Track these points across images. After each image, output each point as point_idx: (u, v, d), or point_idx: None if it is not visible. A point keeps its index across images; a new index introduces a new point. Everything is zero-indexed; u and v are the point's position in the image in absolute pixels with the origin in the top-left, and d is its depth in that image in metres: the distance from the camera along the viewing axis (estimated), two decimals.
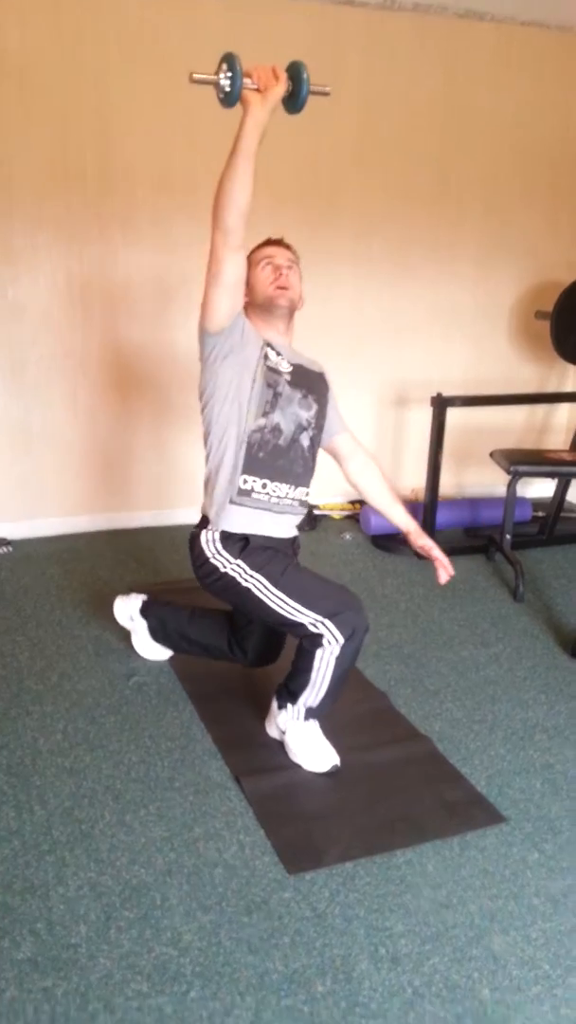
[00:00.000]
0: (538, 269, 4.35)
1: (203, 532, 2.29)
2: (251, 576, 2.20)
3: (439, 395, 3.70)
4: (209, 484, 2.30)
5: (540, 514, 4.18)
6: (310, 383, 2.28)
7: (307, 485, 2.32)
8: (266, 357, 2.18)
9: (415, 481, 4.41)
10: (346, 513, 4.29)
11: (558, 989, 1.62)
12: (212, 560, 2.25)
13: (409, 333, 4.24)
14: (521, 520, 4.10)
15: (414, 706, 2.58)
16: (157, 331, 3.81)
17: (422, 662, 2.85)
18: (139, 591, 3.23)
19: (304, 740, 2.24)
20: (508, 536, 3.59)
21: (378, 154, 3.91)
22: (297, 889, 1.84)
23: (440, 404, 3.69)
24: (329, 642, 2.12)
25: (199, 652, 2.63)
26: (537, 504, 4.33)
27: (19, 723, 2.40)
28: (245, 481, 2.21)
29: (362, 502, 4.30)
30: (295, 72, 1.98)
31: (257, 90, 1.95)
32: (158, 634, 2.69)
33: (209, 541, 2.26)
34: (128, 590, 3.26)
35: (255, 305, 2.23)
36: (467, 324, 4.34)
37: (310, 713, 2.25)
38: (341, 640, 2.12)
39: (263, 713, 2.41)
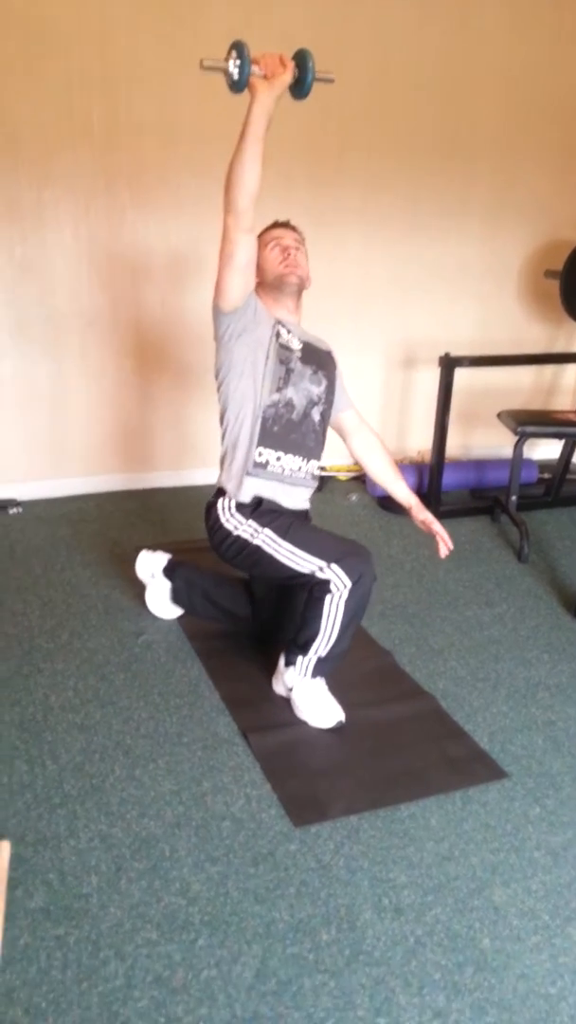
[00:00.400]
0: (548, 227, 4.29)
1: (219, 501, 2.39)
2: (260, 532, 2.29)
3: (446, 355, 3.67)
4: (226, 459, 2.40)
5: (546, 476, 4.18)
6: (319, 360, 2.37)
7: (318, 459, 2.42)
8: (278, 335, 2.27)
9: (421, 442, 4.40)
10: (352, 474, 4.29)
11: (557, 939, 1.67)
12: (226, 524, 2.35)
13: (417, 293, 4.19)
14: (527, 482, 4.10)
15: (419, 664, 2.61)
16: (165, 289, 3.78)
17: (427, 621, 2.87)
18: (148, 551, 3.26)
19: (310, 697, 2.28)
20: (514, 497, 3.59)
21: (387, 110, 3.84)
22: (303, 841, 1.88)
23: (447, 364, 3.66)
24: (336, 587, 2.17)
25: (217, 616, 2.67)
26: (543, 466, 4.32)
27: (31, 680, 2.44)
28: (260, 454, 2.30)
29: None
30: (301, 60, 2.03)
31: (264, 77, 2.00)
32: (180, 596, 2.70)
33: (224, 508, 2.36)
34: (137, 551, 3.29)
35: (265, 285, 2.31)
36: (475, 283, 4.29)
37: (319, 668, 2.28)
38: (348, 583, 2.16)
39: (270, 670, 2.44)
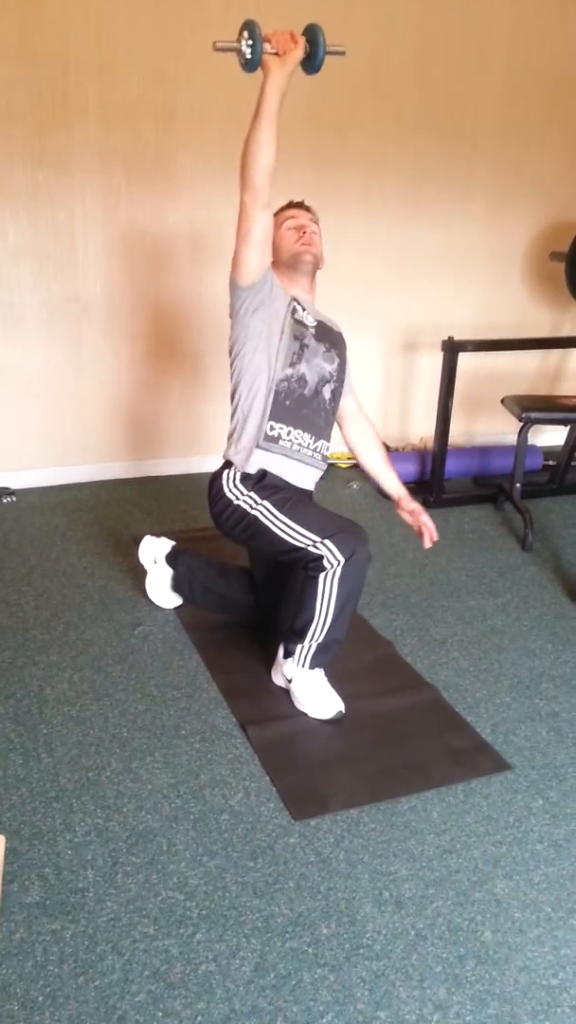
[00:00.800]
0: (553, 209, 4.23)
1: (224, 472, 2.38)
2: (259, 503, 2.29)
3: (450, 339, 3.62)
4: (236, 432, 2.38)
5: (551, 463, 4.13)
6: (332, 339, 2.41)
7: (327, 439, 2.44)
8: (293, 311, 2.30)
9: (424, 429, 4.36)
10: (353, 462, 4.25)
11: (559, 931, 1.64)
12: (228, 494, 2.35)
13: (419, 276, 4.14)
14: (531, 469, 4.05)
15: (420, 655, 2.58)
16: (161, 273, 3.74)
17: (429, 611, 2.84)
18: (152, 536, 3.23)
19: (309, 687, 2.25)
20: (518, 485, 3.55)
21: (389, 93, 3.78)
22: (302, 835, 1.85)
23: (451, 349, 3.62)
24: (330, 562, 2.15)
25: (218, 606, 2.65)
26: (548, 452, 4.28)
27: (25, 672, 2.42)
28: (272, 428, 2.31)
29: None
30: (312, 35, 2.06)
31: (276, 54, 2.03)
32: (181, 584, 2.68)
33: (228, 479, 2.36)
34: (134, 539, 3.27)
35: (281, 263, 2.34)
36: (479, 266, 4.24)
37: (317, 657, 2.25)
38: (342, 559, 2.15)
39: (269, 662, 2.42)
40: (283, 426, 2.32)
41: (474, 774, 2.05)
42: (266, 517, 2.28)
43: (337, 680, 2.32)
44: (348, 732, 2.19)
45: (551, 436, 4.56)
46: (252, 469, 2.33)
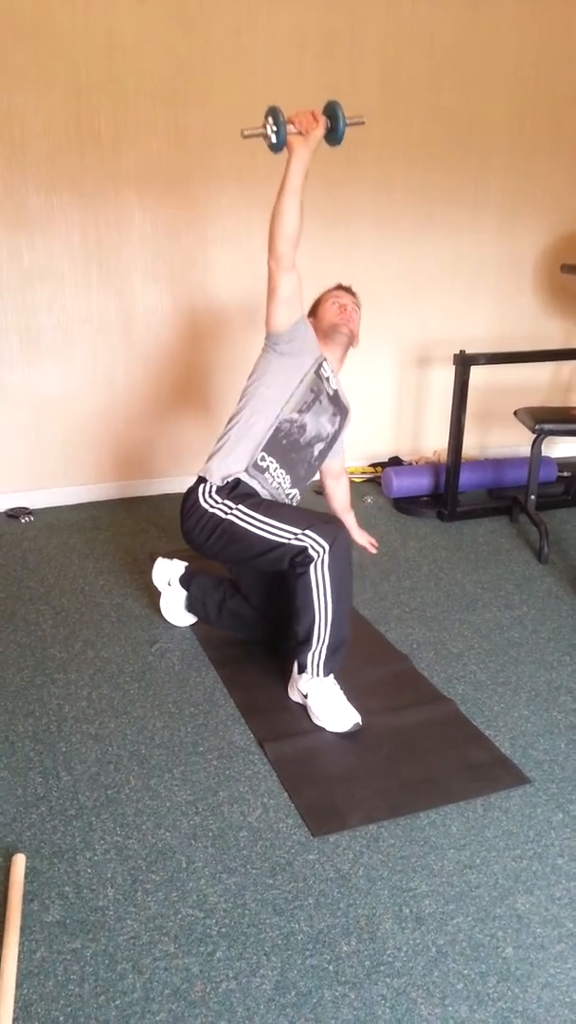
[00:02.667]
0: (564, 221, 4.24)
1: (199, 486, 2.42)
2: (234, 508, 2.32)
3: (462, 353, 3.63)
4: (222, 452, 2.43)
5: (565, 474, 4.13)
6: (340, 408, 2.55)
7: (300, 491, 2.52)
8: (319, 368, 2.44)
9: (438, 442, 4.37)
10: (367, 476, 4.26)
11: None
12: (202, 504, 2.38)
13: (430, 290, 4.16)
14: (546, 480, 4.05)
15: (437, 669, 2.57)
16: (176, 293, 3.77)
17: (445, 625, 2.83)
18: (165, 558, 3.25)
19: (326, 700, 2.26)
20: (533, 497, 3.54)
21: (398, 106, 3.81)
22: (321, 851, 1.85)
23: (463, 362, 3.62)
24: (315, 550, 2.20)
25: (232, 626, 2.67)
26: (562, 464, 4.27)
27: (44, 691, 2.43)
28: (263, 458, 2.39)
29: (383, 464, 4.26)
30: (331, 112, 2.26)
31: (299, 134, 2.23)
32: (195, 604, 2.71)
33: (203, 492, 2.40)
34: (151, 558, 3.29)
35: (321, 330, 2.52)
36: (490, 279, 4.25)
37: (329, 662, 2.26)
38: (326, 545, 2.19)
39: (285, 678, 2.42)
40: (273, 460, 2.40)
41: (493, 788, 2.04)
42: (242, 520, 2.31)
43: (354, 695, 2.32)
44: (366, 747, 2.18)
45: (565, 447, 4.55)
46: (225, 480, 2.38)
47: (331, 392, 2.48)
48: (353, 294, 2.64)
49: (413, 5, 3.66)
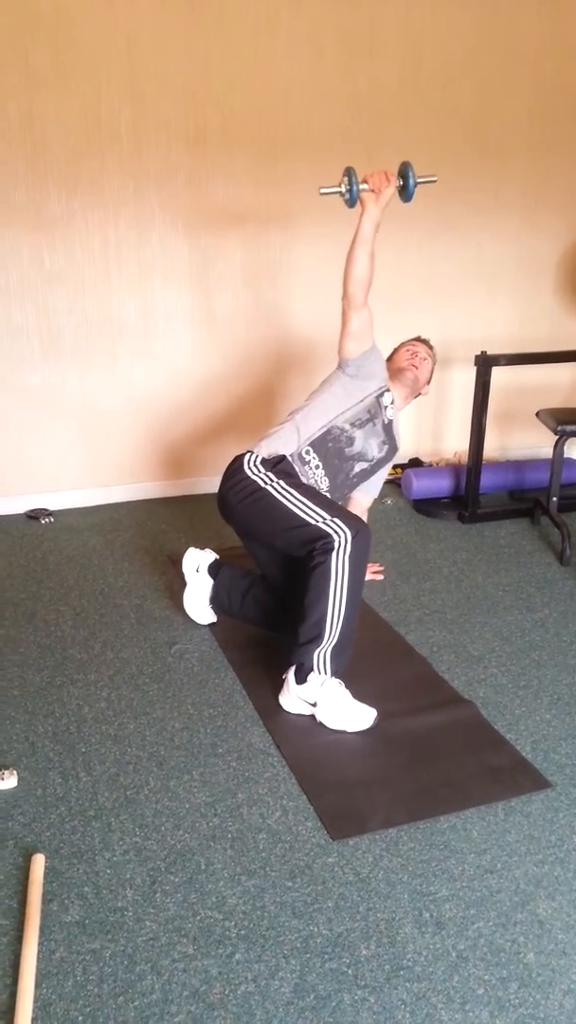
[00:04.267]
0: None
1: (245, 455, 2.54)
2: (274, 481, 2.44)
3: (483, 354, 3.61)
4: (275, 435, 2.58)
5: None
6: (391, 439, 2.72)
7: (335, 500, 2.60)
8: (381, 395, 2.64)
9: (458, 444, 4.34)
10: (388, 478, 4.23)
11: None
12: (245, 470, 2.49)
13: (451, 291, 4.14)
14: (568, 482, 4.01)
15: (457, 672, 2.55)
16: (196, 294, 3.78)
17: (465, 628, 2.81)
18: (180, 560, 3.25)
19: (338, 703, 2.24)
20: (555, 499, 3.51)
21: (418, 108, 3.79)
22: (340, 854, 1.84)
23: (484, 363, 3.60)
24: (339, 536, 2.26)
25: (255, 617, 2.70)
26: None
27: (64, 691, 2.44)
28: (308, 452, 2.54)
29: (403, 466, 4.25)
30: (403, 171, 2.49)
31: (371, 191, 2.45)
32: (220, 594, 2.74)
33: (248, 460, 2.51)
34: (170, 559, 3.29)
35: (391, 370, 2.76)
36: (511, 280, 4.22)
37: (335, 659, 2.26)
38: (350, 535, 2.26)
39: None
40: (316, 458, 2.54)
41: (514, 793, 2.02)
42: (278, 492, 2.41)
43: (373, 697, 2.31)
44: (385, 750, 2.17)
45: None
46: (272, 454, 2.52)
47: (387, 421, 2.66)
48: (429, 346, 2.88)
49: (432, 5, 3.65)
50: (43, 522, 3.70)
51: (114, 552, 3.40)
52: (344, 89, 3.66)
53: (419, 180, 2.49)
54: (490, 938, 1.64)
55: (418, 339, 2.91)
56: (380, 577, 3.05)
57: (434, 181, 2.56)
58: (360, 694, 2.32)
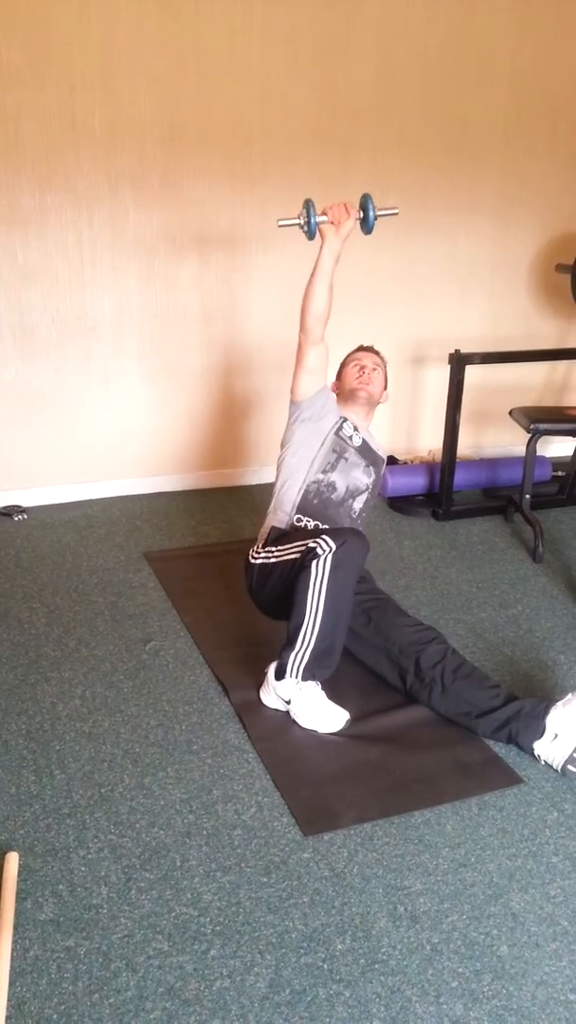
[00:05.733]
0: (558, 221, 4.25)
1: (250, 550, 2.57)
2: (273, 551, 2.45)
3: (456, 352, 3.63)
4: (267, 518, 2.62)
5: (560, 473, 4.13)
6: (373, 458, 2.68)
7: None
8: (339, 428, 2.60)
9: (432, 442, 4.37)
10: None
11: None
12: (250, 562, 2.52)
13: (425, 289, 4.16)
14: (541, 480, 4.05)
15: None
16: (170, 291, 3.76)
17: (439, 624, 2.83)
18: (154, 556, 3.27)
19: (310, 703, 2.24)
20: (527, 496, 3.55)
21: (393, 107, 3.81)
22: (315, 849, 1.85)
23: (458, 362, 3.63)
24: (322, 549, 2.22)
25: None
26: (557, 463, 4.27)
27: (38, 689, 2.42)
28: (299, 519, 2.55)
29: None
30: (363, 203, 2.46)
31: (331, 223, 2.42)
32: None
33: (251, 552, 2.55)
34: (144, 556, 3.28)
35: (343, 393, 2.72)
36: (485, 279, 4.25)
37: (311, 667, 2.23)
38: (333, 545, 2.21)
39: None
40: (309, 519, 2.54)
41: (487, 788, 2.04)
42: (275, 555, 2.43)
43: (346, 694, 2.32)
44: (358, 747, 2.18)
45: (560, 447, 4.55)
46: (266, 537, 2.54)
47: (357, 446, 2.62)
48: (375, 353, 2.77)
49: (408, 5, 3.66)
50: (16, 519, 3.67)
51: (88, 549, 3.38)
52: (320, 87, 3.66)
53: (379, 213, 2.46)
54: (464, 931, 1.66)
55: (362, 348, 2.80)
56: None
57: (395, 213, 2.53)
58: (335, 690, 2.33)
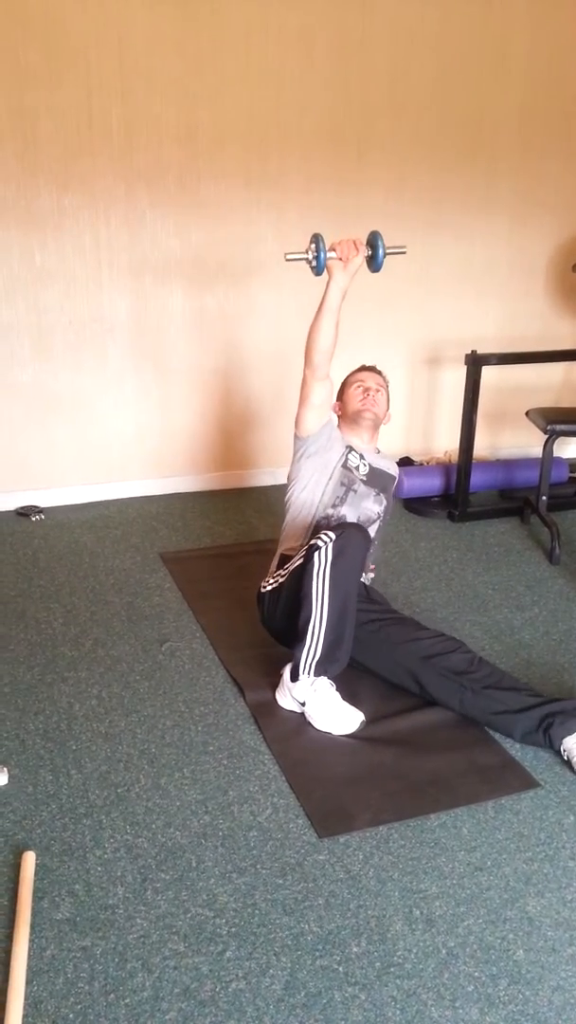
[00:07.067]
0: (575, 221, 4.22)
1: (260, 586, 2.55)
2: (280, 574, 2.47)
3: (473, 353, 3.62)
4: (277, 554, 2.61)
5: None
6: (383, 483, 2.65)
7: (366, 569, 2.58)
8: (346, 461, 2.57)
9: (449, 443, 4.35)
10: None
11: None
12: (262, 592, 2.51)
13: (441, 290, 4.15)
14: (558, 481, 4.03)
15: None
16: (186, 293, 3.77)
17: (455, 626, 2.82)
18: (170, 557, 3.28)
19: (325, 704, 2.24)
20: (544, 497, 3.53)
21: (408, 108, 3.80)
22: (331, 852, 1.85)
23: (474, 362, 3.61)
24: (323, 541, 2.24)
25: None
26: (574, 464, 4.25)
27: (55, 689, 2.44)
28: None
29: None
30: (372, 241, 2.41)
31: (339, 259, 2.37)
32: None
33: (262, 585, 2.53)
34: (160, 556, 3.29)
35: (346, 417, 2.66)
36: (501, 280, 4.23)
37: (323, 663, 2.23)
38: (333, 536, 2.24)
39: None
40: None
41: (503, 791, 2.03)
42: (282, 575, 2.45)
43: (362, 696, 2.32)
44: (374, 749, 2.18)
45: None
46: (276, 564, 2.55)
47: (365, 476, 2.59)
48: (378, 372, 2.72)
49: (422, 3, 3.65)
50: (34, 519, 3.69)
51: (105, 549, 3.39)
52: (335, 86, 3.65)
53: (388, 251, 2.41)
54: (480, 935, 1.65)
55: (364, 368, 2.73)
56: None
57: (404, 252, 2.46)
58: (350, 692, 2.33)
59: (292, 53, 3.56)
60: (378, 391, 2.66)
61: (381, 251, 2.39)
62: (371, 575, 2.72)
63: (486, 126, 3.94)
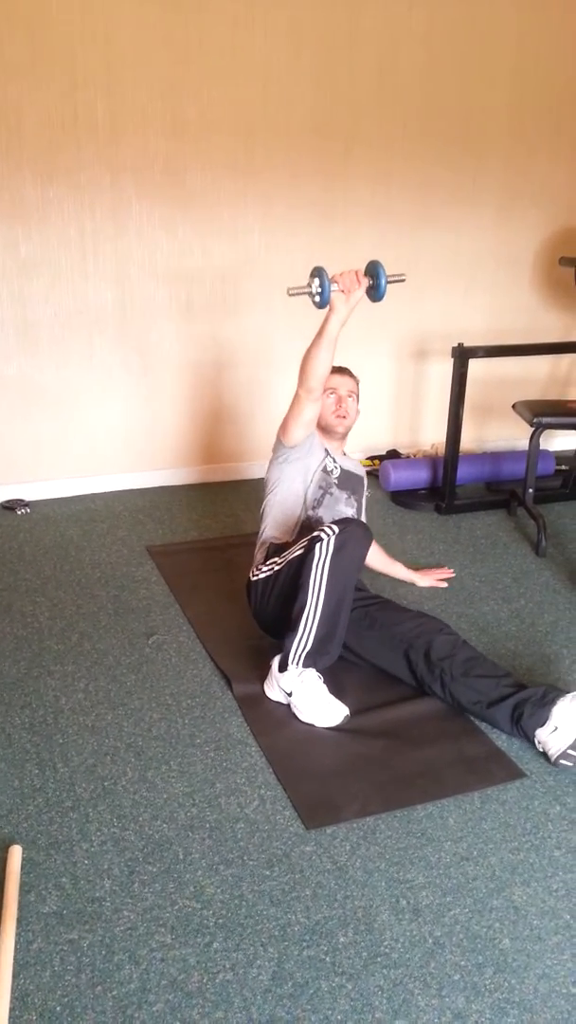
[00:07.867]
0: (562, 214, 4.23)
1: (250, 571, 2.59)
2: (273, 562, 2.49)
3: (460, 346, 3.62)
4: (260, 548, 2.64)
5: (563, 467, 4.12)
6: (353, 485, 2.73)
7: None
8: (324, 466, 2.64)
9: (435, 435, 4.36)
10: (365, 469, 4.24)
11: None
12: (251, 580, 2.54)
13: (429, 283, 4.15)
14: (544, 474, 4.04)
15: None
16: (172, 284, 3.76)
17: (442, 618, 2.81)
18: (157, 550, 3.27)
19: (310, 696, 2.24)
20: (530, 490, 3.54)
21: (396, 101, 3.79)
22: (318, 843, 1.85)
23: (461, 355, 3.62)
24: (325, 534, 2.27)
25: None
26: (560, 457, 4.26)
27: (41, 682, 2.43)
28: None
29: (380, 457, 4.26)
30: (373, 271, 2.41)
31: (341, 291, 2.38)
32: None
33: (251, 573, 2.57)
34: (147, 550, 3.28)
35: (321, 425, 2.69)
36: (488, 273, 4.24)
37: (312, 655, 2.24)
38: (336, 529, 2.27)
39: None
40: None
41: (489, 782, 2.04)
42: (278, 564, 2.44)
43: (349, 688, 2.32)
44: (361, 740, 2.18)
45: (563, 440, 4.55)
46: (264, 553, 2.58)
47: (337, 479, 2.65)
48: (350, 375, 2.74)
49: (410, 1, 3.65)
50: (19, 513, 3.67)
51: (91, 543, 3.38)
52: (322, 80, 3.64)
53: (390, 280, 2.41)
54: (466, 925, 1.66)
55: (335, 371, 2.66)
56: (444, 585, 3.04)
57: (403, 280, 2.48)
58: (337, 683, 2.33)
59: (279, 45, 3.54)
60: (350, 397, 2.69)
61: (383, 281, 2.39)
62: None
63: (473, 120, 3.93)
